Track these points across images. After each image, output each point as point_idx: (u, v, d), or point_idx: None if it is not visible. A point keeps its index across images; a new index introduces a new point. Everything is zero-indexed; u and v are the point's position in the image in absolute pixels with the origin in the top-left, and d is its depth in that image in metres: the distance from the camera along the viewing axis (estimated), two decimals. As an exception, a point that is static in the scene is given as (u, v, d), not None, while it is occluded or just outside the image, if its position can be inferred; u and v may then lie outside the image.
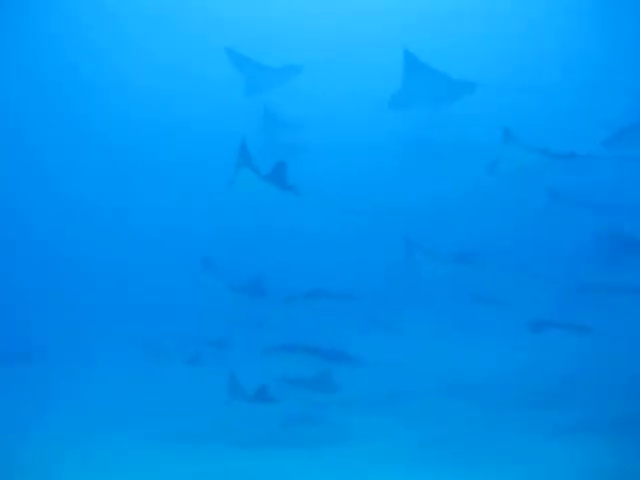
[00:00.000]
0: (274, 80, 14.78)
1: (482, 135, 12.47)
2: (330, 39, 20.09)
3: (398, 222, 13.98)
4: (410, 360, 10.82)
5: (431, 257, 11.69)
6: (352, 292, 11.33)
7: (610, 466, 6.67)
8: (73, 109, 22.06)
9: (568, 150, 9.48)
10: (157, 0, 21.05)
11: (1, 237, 18.73)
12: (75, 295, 16.43)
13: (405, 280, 12.69)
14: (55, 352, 13.40)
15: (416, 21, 19.60)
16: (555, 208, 12.45)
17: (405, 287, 12.76)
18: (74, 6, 20.65)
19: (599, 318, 9.39)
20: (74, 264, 17.89)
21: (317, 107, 17.58)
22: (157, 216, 18.78)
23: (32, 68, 21.56)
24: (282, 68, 14.77)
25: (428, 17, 20.01)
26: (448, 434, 8.01)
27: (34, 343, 13.54)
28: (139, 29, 21.45)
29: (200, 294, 12.13)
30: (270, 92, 14.87)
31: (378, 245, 14.27)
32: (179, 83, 21.58)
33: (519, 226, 12.93)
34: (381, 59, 16.98)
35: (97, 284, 16.85)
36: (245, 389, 8.44)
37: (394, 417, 8.79)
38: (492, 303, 11.44)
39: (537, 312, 9.62)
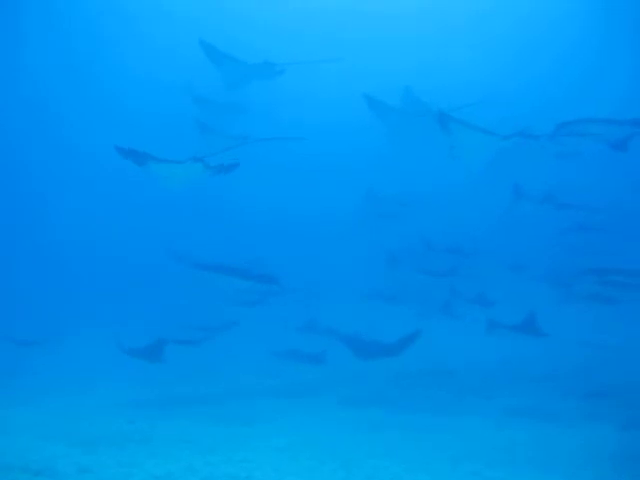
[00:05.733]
0: (253, 76, 14.84)
1: None
2: (312, 37, 20.30)
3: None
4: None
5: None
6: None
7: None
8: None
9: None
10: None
11: (25, 236, 19.54)
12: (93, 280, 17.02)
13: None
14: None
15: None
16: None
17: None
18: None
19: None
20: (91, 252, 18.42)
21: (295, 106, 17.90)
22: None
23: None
24: (261, 64, 14.82)
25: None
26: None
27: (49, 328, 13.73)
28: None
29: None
30: (248, 87, 14.94)
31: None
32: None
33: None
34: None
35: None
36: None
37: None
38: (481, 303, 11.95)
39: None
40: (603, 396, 9.09)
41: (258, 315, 11.68)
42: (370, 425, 8.19)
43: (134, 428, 8.12)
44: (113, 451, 7.30)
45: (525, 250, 13.15)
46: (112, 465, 6.85)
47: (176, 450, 7.27)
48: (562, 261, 12.18)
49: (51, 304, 15.36)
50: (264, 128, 15.71)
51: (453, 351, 11.60)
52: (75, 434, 7.87)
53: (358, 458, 6.92)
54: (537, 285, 12.38)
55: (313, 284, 13.02)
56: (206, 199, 16.12)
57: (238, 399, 9.36)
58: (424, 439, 7.56)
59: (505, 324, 9.90)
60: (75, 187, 20.96)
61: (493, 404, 9.03)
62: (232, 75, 14.73)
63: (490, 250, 12.87)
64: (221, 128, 14.64)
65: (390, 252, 13.29)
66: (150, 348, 9.11)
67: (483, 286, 12.23)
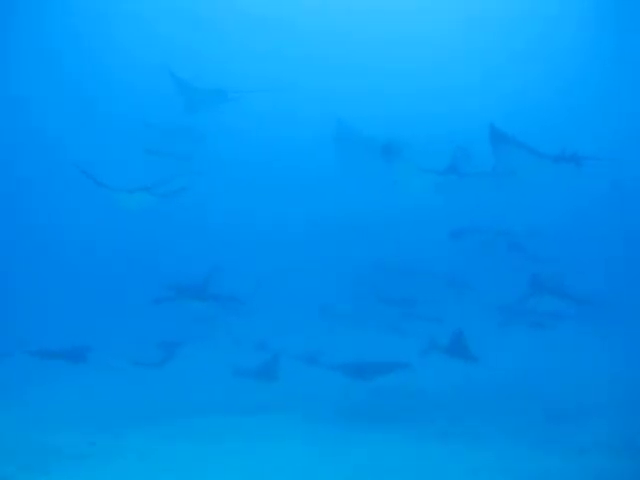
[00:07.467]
0: (205, 101, 15.03)
1: None
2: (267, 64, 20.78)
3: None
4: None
5: None
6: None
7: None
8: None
9: None
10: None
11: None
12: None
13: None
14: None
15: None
16: None
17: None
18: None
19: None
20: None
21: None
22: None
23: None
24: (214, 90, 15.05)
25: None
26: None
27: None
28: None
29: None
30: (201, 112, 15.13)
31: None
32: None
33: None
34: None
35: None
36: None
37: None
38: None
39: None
40: (557, 420, 9.21)
41: (214, 332, 11.68)
42: (337, 443, 8.18)
43: (92, 447, 7.94)
44: (70, 471, 7.10)
45: (471, 272, 13.65)
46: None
47: (136, 470, 7.13)
48: (507, 284, 12.68)
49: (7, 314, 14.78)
50: (215, 152, 16.05)
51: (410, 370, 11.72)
52: (30, 454, 7.65)
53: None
54: (481, 307, 12.87)
55: (270, 302, 13.20)
56: (166, 217, 16.10)
57: (200, 417, 9.19)
58: (395, 460, 7.58)
59: (442, 347, 10.07)
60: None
61: (456, 425, 9.13)
62: (185, 100, 14.90)
63: (438, 271, 13.37)
64: (172, 152, 14.77)
65: (345, 273, 13.66)
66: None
67: (432, 307, 12.63)
